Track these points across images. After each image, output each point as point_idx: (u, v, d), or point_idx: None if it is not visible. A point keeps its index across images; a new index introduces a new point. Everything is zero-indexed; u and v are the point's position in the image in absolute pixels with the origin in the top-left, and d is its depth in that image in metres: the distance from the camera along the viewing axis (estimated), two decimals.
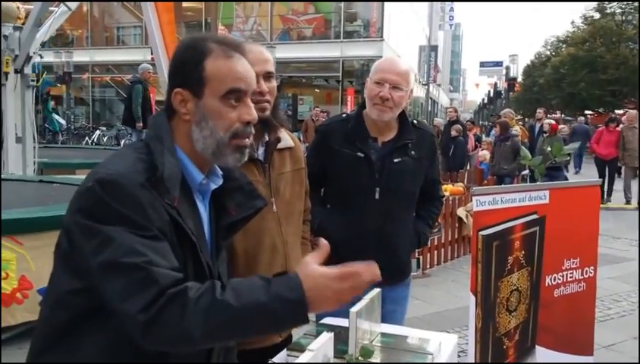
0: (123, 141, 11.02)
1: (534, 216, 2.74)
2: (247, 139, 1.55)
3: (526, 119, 23.02)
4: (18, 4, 7.70)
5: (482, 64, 59.69)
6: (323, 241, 1.44)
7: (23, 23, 7.42)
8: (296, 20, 27.63)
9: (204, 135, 1.51)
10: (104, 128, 22.81)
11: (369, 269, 1.38)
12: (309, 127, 16.55)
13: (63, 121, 22.02)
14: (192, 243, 1.48)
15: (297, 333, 2.25)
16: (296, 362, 1.47)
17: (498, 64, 54.95)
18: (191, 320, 1.28)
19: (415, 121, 2.90)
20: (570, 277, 2.94)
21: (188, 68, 1.53)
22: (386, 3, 25.72)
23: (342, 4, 26.44)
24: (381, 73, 2.71)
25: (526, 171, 10.61)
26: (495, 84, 45.49)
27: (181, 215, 1.46)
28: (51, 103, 8.32)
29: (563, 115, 35.71)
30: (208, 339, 1.35)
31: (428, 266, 7.18)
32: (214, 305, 1.30)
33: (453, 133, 12.65)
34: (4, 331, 4.35)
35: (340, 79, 26.57)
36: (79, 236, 1.39)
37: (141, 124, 11.38)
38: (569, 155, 11.20)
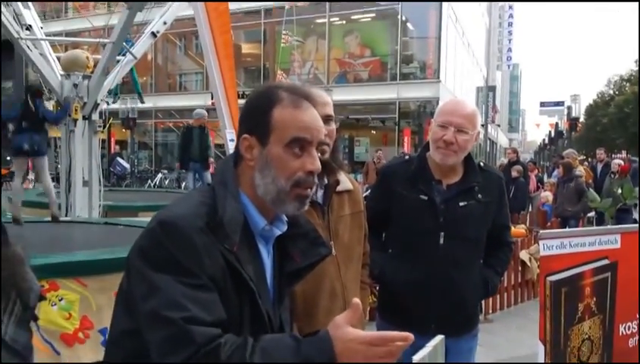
0: (184, 184, 11.31)
1: (606, 261, 2.62)
2: (309, 190, 1.53)
3: (589, 159, 22.49)
4: (87, 53, 8.08)
5: (542, 104, 58.79)
6: (355, 301, 1.38)
7: (92, 72, 7.76)
8: (353, 63, 27.94)
9: (265, 182, 1.51)
10: (165, 171, 23.40)
11: (403, 336, 1.33)
12: (369, 169, 16.56)
13: (127, 165, 22.71)
14: (251, 289, 1.46)
15: None
16: None
17: (559, 103, 54.07)
18: None
19: (482, 164, 2.78)
20: None
21: (257, 115, 1.55)
22: (442, 44, 25.74)
23: (398, 46, 26.61)
24: (445, 116, 2.60)
25: (592, 213, 10.27)
26: (556, 124, 44.69)
27: (240, 261, 1.45)
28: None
29: (629, 155, 34.68)
30: None
31: (490, 311, 6.97)
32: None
33: (514, 173, 12.39)
34: None
35: (397, 120, 26.59)
36: (133, 277, 1.43)
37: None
38: None
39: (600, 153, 14.06)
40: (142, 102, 11.64)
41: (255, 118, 1.55)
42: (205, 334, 1.31)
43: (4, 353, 1.37)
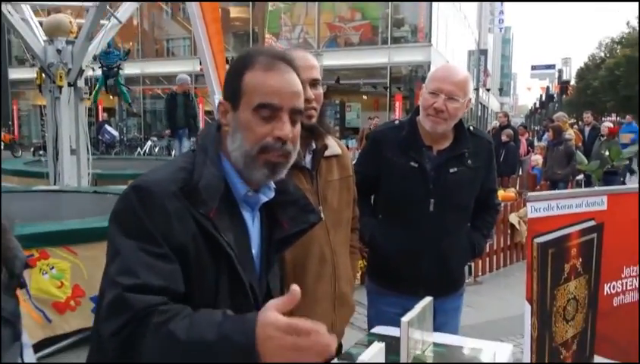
0: (174, 151, 11.21)
1: (592, 223, 2.64)
2: (281, 157, 1.50)
3: (580, 123, 22.54)
4: (70, 18, 7.92)
5: (534, 68, 58.72)
6: (294, 288, 1.26)
7: (76, 37, 7.63)
8: (343, 27, 27.66)
9: (234, 147, 1.50)
10: (155, 139, 23.27)
11: (313, 329, 1.19)
12: (364, 136, 16.48)
13: (116, 133, 22.55)
14: (228, 255, 1.45)
15: (347, 342, 2.22)
16: None
17: (550, 67, 53.97)
18: (147, 346, 1.28)
19: (471, 128, 2.76)
20: (630, 286, 2.82)
21: (231, 79, 1.54)
22: (434, 7, 25.50)
23: (389, 10, 26.35)
24: (436, 83, 2.56)
25: (580, 176, 10.33)
26: (547, 88, 44.62)
27: (217, 228, 1.44)
28: (122, 78, 8.63)
29: (618, 118, 34.76)
30: None
31: (479, 273, 7.05)
32: (165, 335, 1.27)
33: (504, 138, 12.41)
34: (61, 339, 4.45)
35: (388, 85, 26.46)
36: (108, 239, 1.44)
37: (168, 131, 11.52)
38: (628, 159, 10.86)
39: (587, 116, 14.12)
40: (132, 110, 11.56)
41: (230, 83, 1.54)
42: (143, 301, 1.30)
43: None
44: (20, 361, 1.78)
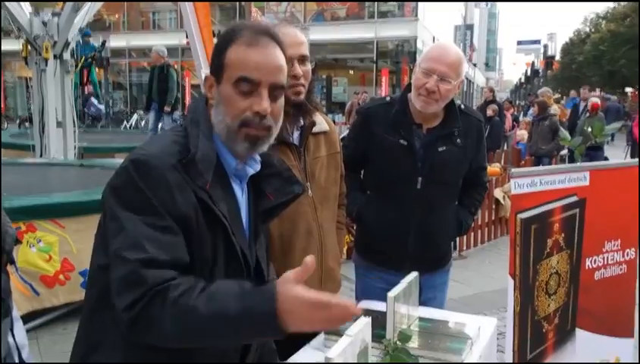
0: (160, 124, 10.99)
1: (574, 198, 2.68)
2: (261, 131, 1.53)
3: (564, 98, 22.63)
4: None
5: (519, 43, 58.71)
6: (307, 259, 1.31)
7: (62, 9, 7.53)
8: (330, 1, 27.43)
9: (218, 120, 1.53)
10: (141, 112, 23.06)
11: (347, 307, 1.28)
12: (352, 110, 16.44)
13: (101, 106, 22.32)
14: (224, 226, 1.49)
15: None
16: (335, 347, 1.47)
17: (536, 42, 53.98)
18: (165, 321, 1.30)
19: (462, 106, 2.74)
20: (611, 260, 2.88)
21: (216, 54, 1.56)
22: None
23: None
24: (429, 62, 2.54)
25: (565, 151, 10.40)
26: (532, 63, 44.63)
27: (213, 199, 1.47)
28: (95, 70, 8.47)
29: (602, 93, 34.96)
30: (181, 341, 1.34)
31: (464, 248, 7.13)
32: (186, 310, 1.30)
33: (489, 113, 12.44)
34: (49, 311, 4.48)
35: (375, 60, 26.35)
36: (107, 215, 1.44)
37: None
38: (611, 135, 10.90)
39: (584, 91, 13.97)
40: (100, 103, 11.03)
41: (215, 57, 1.56)
42: (157, 276, 1.33)
43: None
44: (10, 336, 1.81)
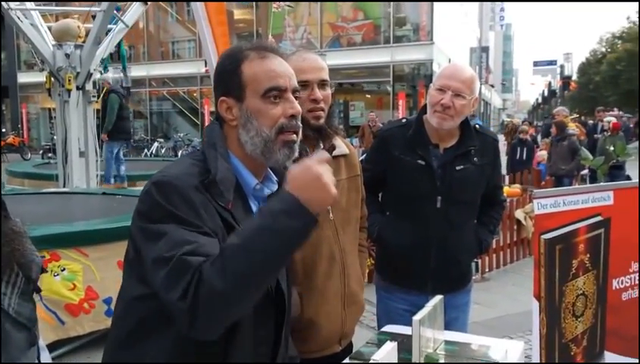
0: (180, 151, 11.04)
1: (599, 218, 2.66)
2: (295, 135, 1.58)
3: (582, 117, 22.47)
4: (78, 23, 7.99)
5: (536, 64, 58.45)
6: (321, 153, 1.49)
7: (84, 42, 7.69)
8: (346, 27, 27.64)
9: (251, 136, 1.56)
10: (162, 140, 23.33)
11: (317, 160, 1.40)
12: (365, 133, 16.50)
13: None
14: None
15: (358, 341, 2.25)
16: None
17: (552, 62, 53.81)
18: (216, 281, 1.29)
19: (477, 126, 2.80)
20: (638, 280, 2.84)
21: (228, 76, 1.59)
22: (435, 6, 25.46)
23: (391, 9, 26.33)
24: (443, 80, 2.62)
25: (585, 171, 10.30)
26: (549, 83, 44.48)
27: (235, 219, 1.49)
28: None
29: (621, 113, 34.69)
30: (242, 287, 1.33)
31: (486, 270, 7.06)
32: (222, 254, 1.32)
33: (522, 135, 12.32)
34: (73, 340, 4.49)
35: (391, 83, 26.44)
36: (139, 239, 1.45)
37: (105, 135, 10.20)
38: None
39: (601, 114, 13.98)
40: (127, 83, 10.56)
41: (227, 79, 1.59)
42: (199, 260, 1.33)
43: (9, 325, 1.40)
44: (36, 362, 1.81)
